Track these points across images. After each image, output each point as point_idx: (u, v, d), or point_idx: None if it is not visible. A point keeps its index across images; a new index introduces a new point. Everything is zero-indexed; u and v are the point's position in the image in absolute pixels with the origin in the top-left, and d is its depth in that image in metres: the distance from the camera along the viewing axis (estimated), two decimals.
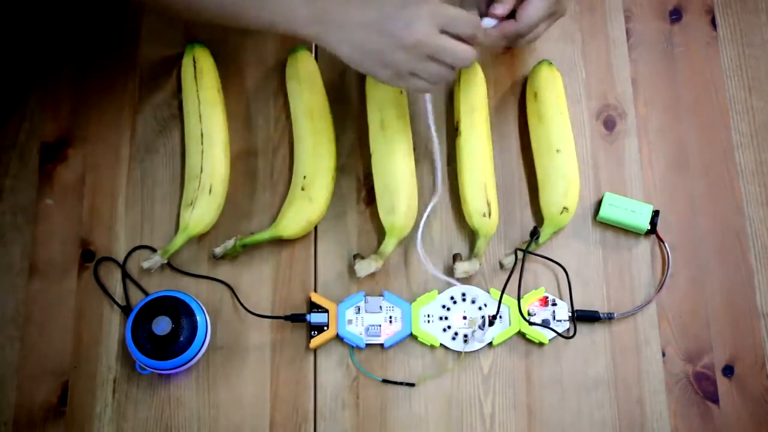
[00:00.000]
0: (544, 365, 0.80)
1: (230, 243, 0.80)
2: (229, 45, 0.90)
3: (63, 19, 0.90)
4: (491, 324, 0.79)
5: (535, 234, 0.80)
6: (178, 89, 0.87)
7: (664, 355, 0.80)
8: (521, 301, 0.80)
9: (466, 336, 0.79)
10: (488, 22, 0.75)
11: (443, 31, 0.69)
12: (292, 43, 0.89)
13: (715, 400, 0.79)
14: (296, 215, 0.80)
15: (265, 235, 0.80)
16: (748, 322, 0.81)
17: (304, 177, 0.82)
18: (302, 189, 0.81)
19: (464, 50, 0.70)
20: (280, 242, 0.82)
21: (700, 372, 0.80)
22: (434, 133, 0.79)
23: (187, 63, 0.86)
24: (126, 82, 0.88)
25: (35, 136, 0.86)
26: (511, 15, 0.76)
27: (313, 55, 0.89)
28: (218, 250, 0.81)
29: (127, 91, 0.88)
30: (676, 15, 0.92)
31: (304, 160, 0.83)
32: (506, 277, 0.80)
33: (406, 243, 0.83)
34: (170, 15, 0.79)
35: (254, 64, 0.89)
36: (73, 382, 0.79)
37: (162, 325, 0.75)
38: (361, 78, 0.88)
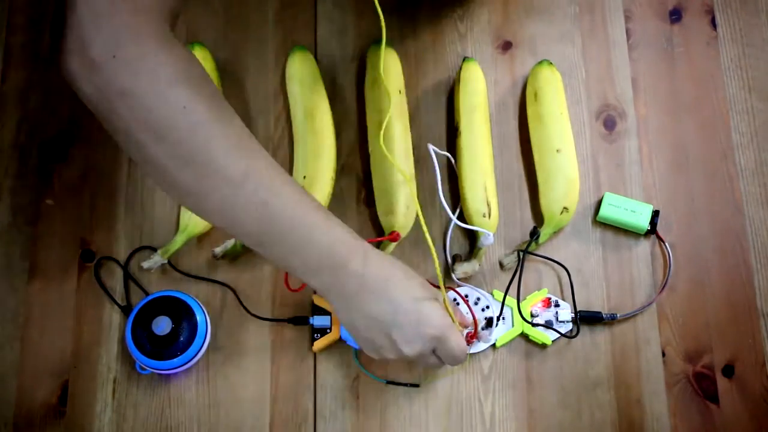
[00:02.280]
0: (544, 365, 0.80)
1: (230, 243, 0.80)
2: (229, 45, 0.90)
3: (63, 18, 0.90)
4: (490, 325, 0.79)
5: (534, 234, 0.80)
6: None
7: (664, 355, 0.80)
8: (525, 302, 0.80)
9: None
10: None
11: (434, 352, 0.69)
12: (292, 45, 0.89)
13: (715, 400, 0.79)
14: None
15: None
16: (748, 322, 0.81)
17: (304, 177, 0.82)
18: None
19: (437, 367, 0.72)
20: None
21: (700, 372, 0.80)
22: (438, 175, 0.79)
23: None
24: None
25: (35, 136, 0.86)
26: None
27: (313, 55, 0.89)
28: (218, 250, 0.81)
29: None
30: (676, 15, 0.92)
31: (304, 160, 0.83)
32: (506, 277, 0.80)
33: (407, 243, 0.83)
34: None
35: (254, 64, 0.89)
36: (73, 382, 0.79)
37: (162, 325, 0.75)
38: (361, 79, 0.88)
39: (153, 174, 0.62)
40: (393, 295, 0.66)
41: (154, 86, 0.58)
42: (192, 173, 0.60)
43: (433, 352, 0.69)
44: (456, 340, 0.69)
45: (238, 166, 0.61)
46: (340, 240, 0.65)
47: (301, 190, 0.65)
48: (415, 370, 0.79)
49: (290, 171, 0.84)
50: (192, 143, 0.59)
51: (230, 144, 0.61)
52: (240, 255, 0.82)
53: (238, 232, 0.65)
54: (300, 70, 0.86)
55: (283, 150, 0.86)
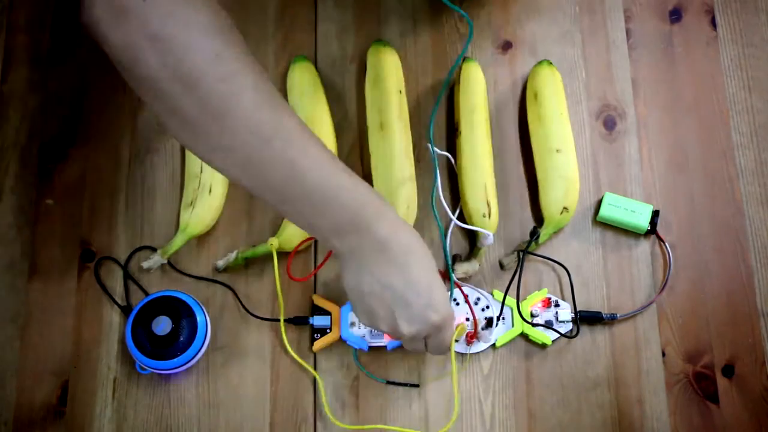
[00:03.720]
0: (544, 365, 0.80)
1: (232, 256, 0.80)
2: None
3: (63, 17, 0.90)
4: (490, 325, 0.79)
5: (534, 234, 0.80)
6: None
7: (664, 355, 0.80)
8: (525, 302, 0.80)
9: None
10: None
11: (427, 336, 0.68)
12: (292, 45, 0.89)
13: (715, 400, 0.79)
14: (298, 228, 0.80)
15: (267, 248, 0.80)
16: (748, 322, 0.81)
17: None
18: None
19: (422, 352, 0.72)
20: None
21: (700, 372, 0.80)
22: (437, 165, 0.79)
23: None
24: (126, 82, 0.88)
25: (35, 136, 0.86)
26: None
27: (314, 55, 0.89)
28: (221, 264, 0.81)
29: (127, 91, 0.88)
30: (676, 15, 0.92)
31: None
32: (506, 277, 0.80)
33: None
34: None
35: None
36: (73, 382, 0.79)
37: (162, 325, 0.75)
38: (361, 79, 0.88)
39: (178, 128, 0.59)
40: (411, 270, 0.64)
41: (187, 33, 0.55)
42: (220, 126, 0.57)
43: (424, 337, 0.69)
44: (451, 333, 0.68)
45: (267, 122, 0.58)
46: (368, 201, 0.63)
47: (328, 151, 0.62)
48: (416, 370, 0.79)
49: None
50: (223, 94, 0.56)
51: (261, 98, 0.58)
52: (241, 267, 0.82)
53: (263, 190, 0.62)
54: (301, 82, 0.86)
55: None
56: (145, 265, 0.80)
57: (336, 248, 0.65)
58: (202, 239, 0.83)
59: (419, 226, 0.83)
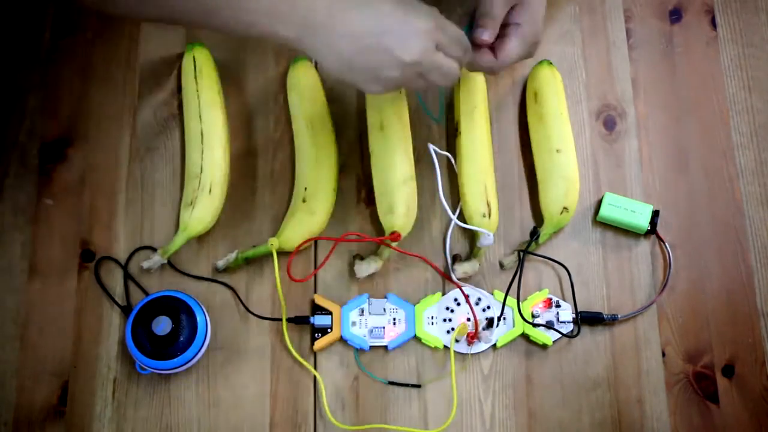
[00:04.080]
0: (544, 365, 0.80)
1: (232, 256, 0.80)
2: (229, 45, 0.89)
3: (63, 17, 0.90)
4: (491, 326, 0.79)
5: (534, 234, 0.80)
6: (178, 89, 0.87)
7: (664, 355, 0.80)
8: (526, 302, 0.80)
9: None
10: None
11: (438, 48, 0.66)
12: None
13: (715, 400, 0.79)
14: (298, 227, 0.80)
15: (267, 248, 0.80)
16: (748, 322, 0.81)
17: (305, 189, 0.81)
18: (303, 201, 0.81)
19: (453, 70, 0.68)
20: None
21: (700, 372, 0.80)
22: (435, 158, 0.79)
23: (187, 63, 0.86)
24: (126, 82, 0.88)
25: (35, 136, 0.86)
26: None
27: (314, 65, 0.89)
28: (221, 264, 0.81)
29: (127, 91, 0.88)
30: (676, 15, 0.92)
31: (305, 171, 0.82)
32: (507, 277, 0.80)
33: (407, 243, 0.83)
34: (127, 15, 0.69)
35: (254, 64, 0.89)
36: (73, 382, 0.79)
37: (162, 325, 0.75)
38: None
39: None
40: (369, 2, 0.63)
41: None
42: None
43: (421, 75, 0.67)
44: (451, 31, 0.66)
45: None
46: None
47: None
48: (416, 370, 0.79)
49: (290, 171, 0.85)
50: None
51: None
52: (242, 267, 0.82)
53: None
54: (301, 82, 0.86)
55: (284, 151, 0.86)
56: (145, 265, 0.80)
57: (290, 39, 0.63)
58: (202, 239, 0.83)
59: (419, 225, 0.83)
